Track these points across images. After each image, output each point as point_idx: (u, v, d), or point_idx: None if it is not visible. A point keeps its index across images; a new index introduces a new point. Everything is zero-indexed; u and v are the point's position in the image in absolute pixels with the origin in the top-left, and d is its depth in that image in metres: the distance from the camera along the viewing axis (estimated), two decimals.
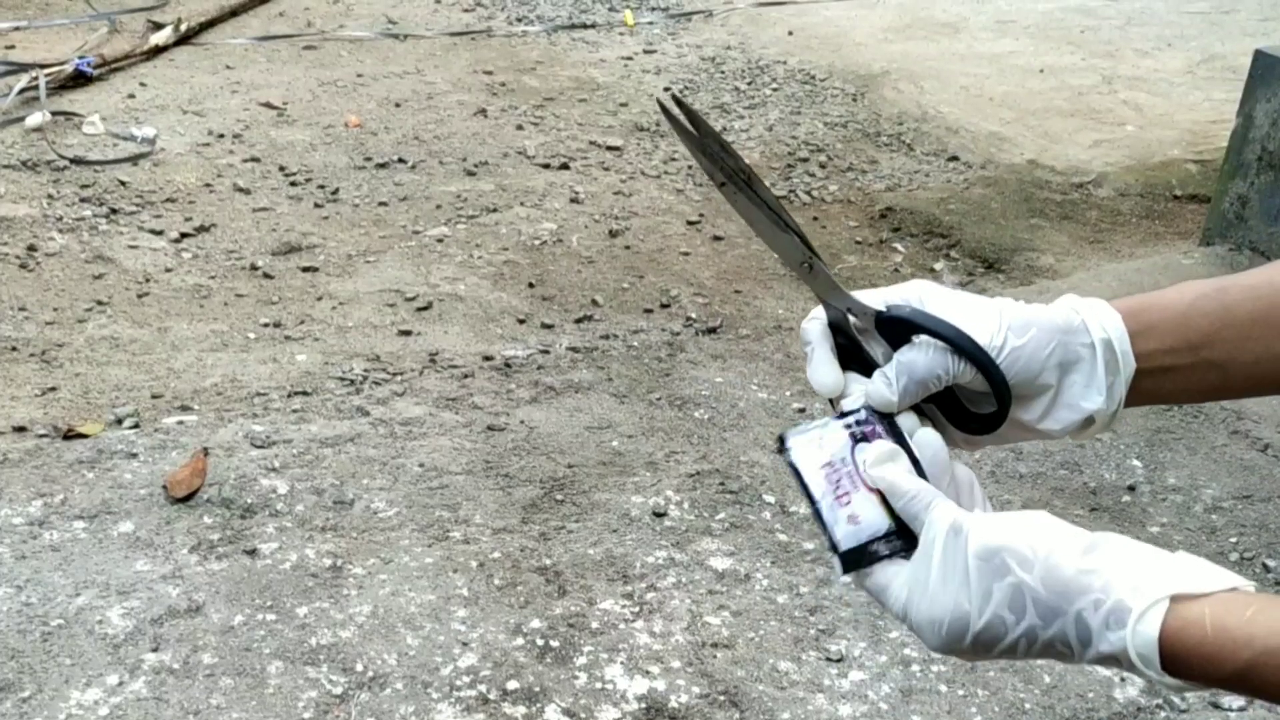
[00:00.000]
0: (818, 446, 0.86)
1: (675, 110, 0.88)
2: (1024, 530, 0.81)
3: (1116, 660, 0.78)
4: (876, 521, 0.82)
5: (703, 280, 3.94)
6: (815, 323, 0.91)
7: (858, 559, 0.82)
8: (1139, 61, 6.36)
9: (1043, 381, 0.86)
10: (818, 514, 0.85)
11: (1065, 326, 0.87)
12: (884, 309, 0.87)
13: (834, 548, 0.83)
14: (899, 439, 0.85)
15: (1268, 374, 0.88)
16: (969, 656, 0.81)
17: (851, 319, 0.88)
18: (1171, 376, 0.88)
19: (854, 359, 0.89)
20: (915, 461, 0.84)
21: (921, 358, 0.85)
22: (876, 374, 0.87)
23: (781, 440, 0.87)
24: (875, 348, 0.89)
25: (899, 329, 0.86)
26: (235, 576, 2.36)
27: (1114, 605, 0.77)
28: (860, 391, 0.87)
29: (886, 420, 0.86)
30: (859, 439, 0.85)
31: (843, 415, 0.87)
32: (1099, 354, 0.86)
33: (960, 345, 0.84)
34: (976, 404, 0.89)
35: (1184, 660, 0.76)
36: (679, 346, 3.40)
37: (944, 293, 0.88)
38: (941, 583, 0.81)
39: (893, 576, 0.84)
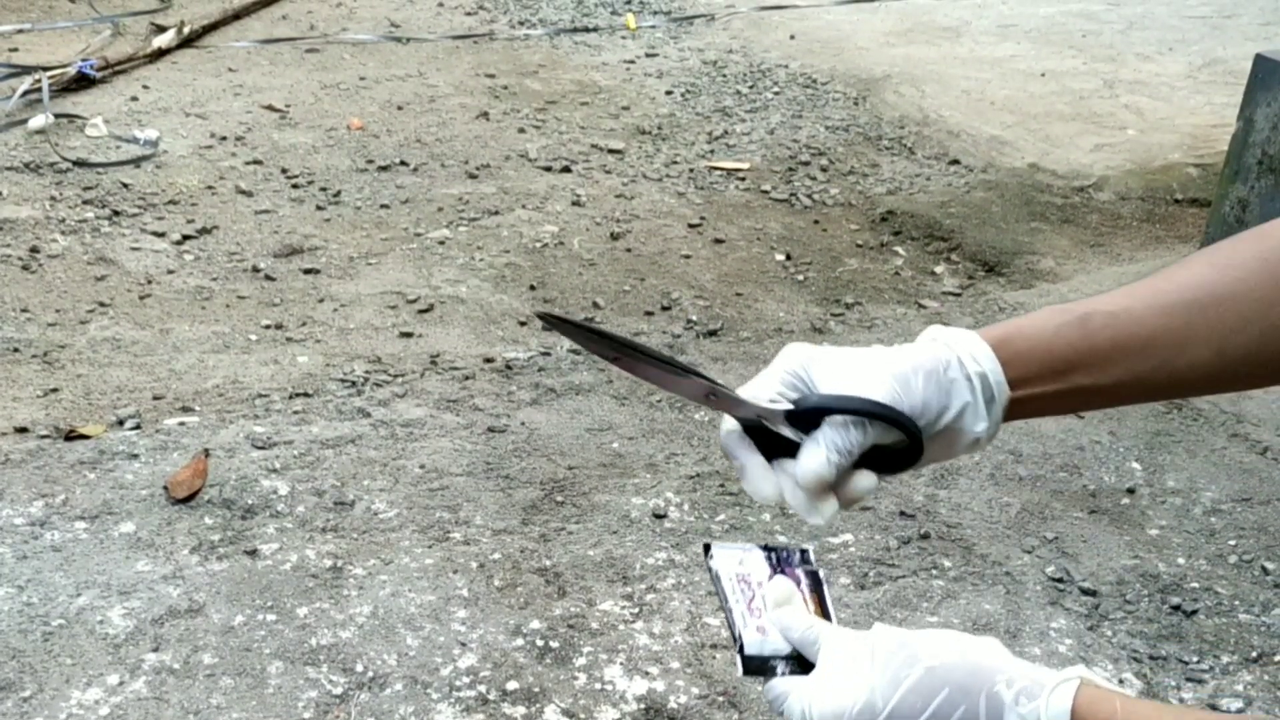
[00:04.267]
0: (738, 562, 0.95)
1: (552, 321, 0.94)
2: (924, 632, 0.89)
3: None
4: (779, 644, 0.91)
5: (704, 283, 3.95)
6: (733, 434, 0.95)
7: (759, 668, 0.91)
8: (1140, 66, 6.37)
9: (932, 419, 0.91)
10: (729, 615, 0.93)
11: (943, 365, 0.91)
12: (792, 407, 0.91)
13: (741, 648, 0.90)
14: (813, 579, 0.96)
15: (1135, 392, 0.93)
16: None
17: (764, 421, 0.92)
18: (1045, 398, 0.93)
19: (777, 449, 0.93)
20: (823, 600, 0.94)
21: (842, 436, 0.90)
22: (805, 457, 0.91)
23: (707, 548, 0.95)
24: (791, 431, 0.93)
25: (811, 415, 0.91)
26: (236, 577, 2.37)
27: (1027, 683, 0.83)
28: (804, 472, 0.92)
29: (804, 561, 0.97)
30: (775, 569, 0.95)
31: (767, 549, 0.97)
32: (976, 387, 0.91)
33: (876, 414, 0.90)
34: (891, 448, 0.95)
35: None
36: (680, 349, 3.41)
37: (824, 358, 0.93)
38: (845, 682, 0.87)
39: (792, 687, 0.91)
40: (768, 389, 0.93)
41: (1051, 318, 0.93)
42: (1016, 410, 0.93)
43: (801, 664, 0.92)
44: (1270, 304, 0.88)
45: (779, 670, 0.91)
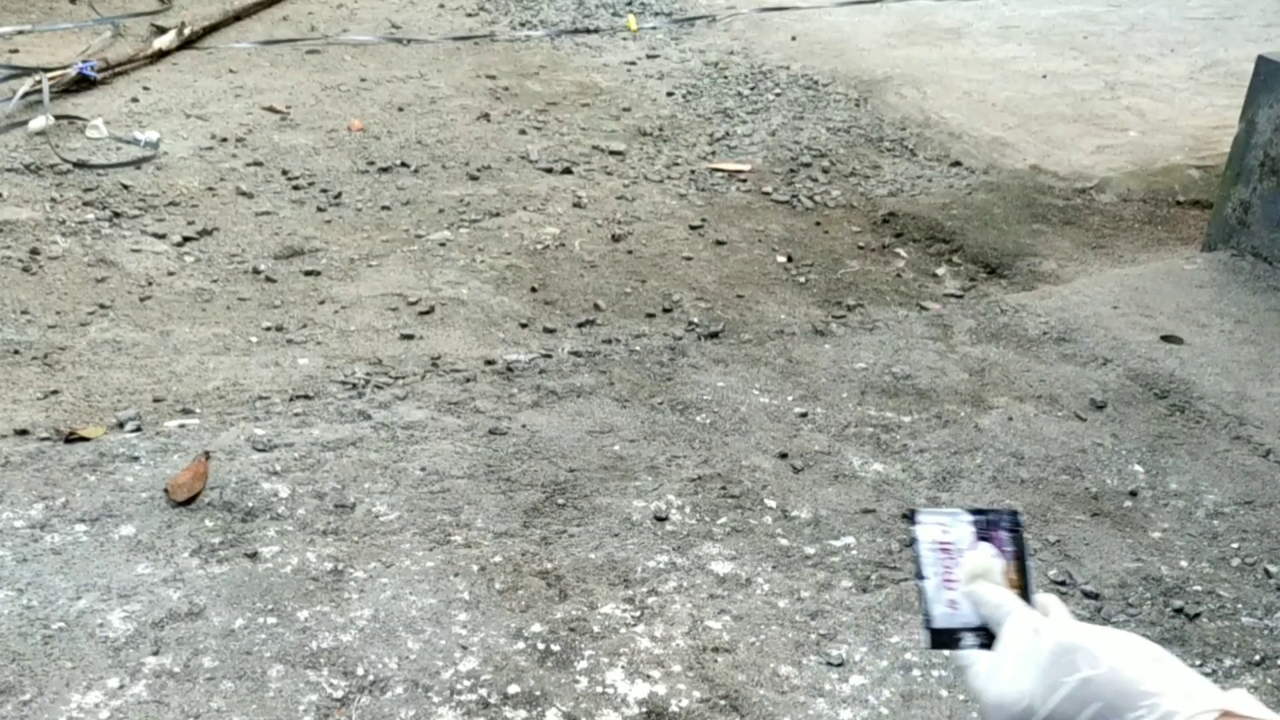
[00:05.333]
0: (941, 530, 0.95)
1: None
2: (1097, 634, 0.89)
3: None
4: (968, 616, 0.93)
5: (705, 285, 3.94)
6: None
7: (945, 640, 0.93)
8: (1142, 67, 6.36)
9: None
10: (922, 588, 0.95)
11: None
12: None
13: (927, 622, 0.93)
14: (1018, 545, 0.95)
15: None
16: None
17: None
18: None
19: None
20: (1023, 569, 0.95)
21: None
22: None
23: (912, 514, 0.96)
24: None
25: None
26: (236, 580, 2.36)
27: (1166, 710, 0.84)
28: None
29: (1011, 525, 0.96)
30: (981, 537, 0.95)
31: (976, 513, 0.96)
32: None
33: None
34: None
35: None
36: (681, 351, 3.40)
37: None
38: (1014, 674, 0.89)
39: (976, 659, 0.94)
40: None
41: None
42: None
43: (989, 636, 0.94)
44: None
45: (965, 642, 0.93)
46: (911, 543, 0.97)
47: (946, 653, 0.97)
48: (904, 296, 3.97)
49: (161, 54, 5.59)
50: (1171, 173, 5.01)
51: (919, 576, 0.95)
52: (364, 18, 6.53)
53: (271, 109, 5.11)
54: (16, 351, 3.25)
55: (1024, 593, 0.97)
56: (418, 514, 2.60)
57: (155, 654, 2.16)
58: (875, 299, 3.94)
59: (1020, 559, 0.96)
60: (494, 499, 2.67)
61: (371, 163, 4.67)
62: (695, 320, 3.69)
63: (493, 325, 3.59)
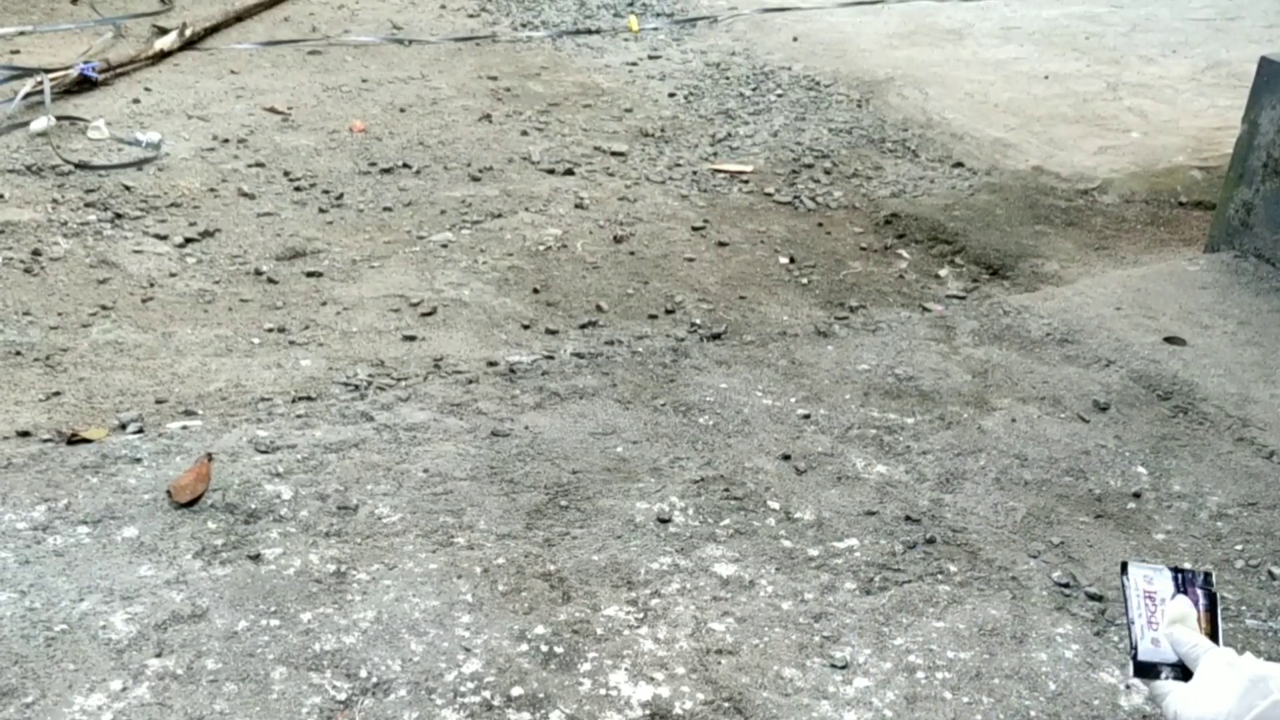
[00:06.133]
0: (1147, 581, 1.11)
1: None
2: None
3: None
4: (1168, 654, 1.08)
5: (707, 286, 3.94)
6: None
7: (1147, 672, 1.08)
8: (1144, 68, 6.36)
9: None
10: (1130, 624, 1.10)
11: None
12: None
13: (1134, 653, 1.08)
14: (1210, 600, 1.11)
15: None
16: None
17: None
18: None
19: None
20: (1214, 620, 1.11)
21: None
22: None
23: (1125, 566, 1.12)
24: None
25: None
26: (239, 582, 2.36)
27: None
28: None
29: (1205, 583, 1.12)
30: (1179, 589, 1.11)
31: (1177, 570, 1.13)
32: None
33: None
34: None
35: None
36: (683, 352, 3.40)
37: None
38: (1212, 698, 1.03)
39: (1173, 688, 1.07)
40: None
41: None
42: None
43: (1184, 673, 1.08)
44: None
45: (1164, 675, 1.08)
46: (1122, 589, 1.11)
47: (1142, 683, 1.13)
48: (906, 298, 3.96)
49: (163, 55, 5.59)
50: (1174, 174, 5.01)
51: (1128, 618, 1.10)
52: (365, 19, 6.53)
53: (273, 110, 5.10)
54: (18, 353, 3.25)
55: (1214, 639, 1.12)
56: (420, 516, 2.59)
57: (158, 656, 2.16)
58: (878, 300, 3.94)
59: (1212, 611, 1.11)
60: (497, 501, 2.67)
61: (373, 164, 4.67)
62: (698, 321, 3.68)
63: (495, 326, 3.58)
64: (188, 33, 5.79)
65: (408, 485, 2.69)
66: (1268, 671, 1.01)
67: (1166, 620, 1.09)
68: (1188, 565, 1.13)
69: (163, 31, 5.83)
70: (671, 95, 5.65)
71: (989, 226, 4.49)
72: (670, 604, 2.39)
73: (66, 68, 5.13)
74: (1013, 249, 4.33)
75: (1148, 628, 1.09)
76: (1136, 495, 2.85)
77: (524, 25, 6.61)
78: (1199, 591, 1.11)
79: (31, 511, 2.52)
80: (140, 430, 2.89)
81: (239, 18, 6.26)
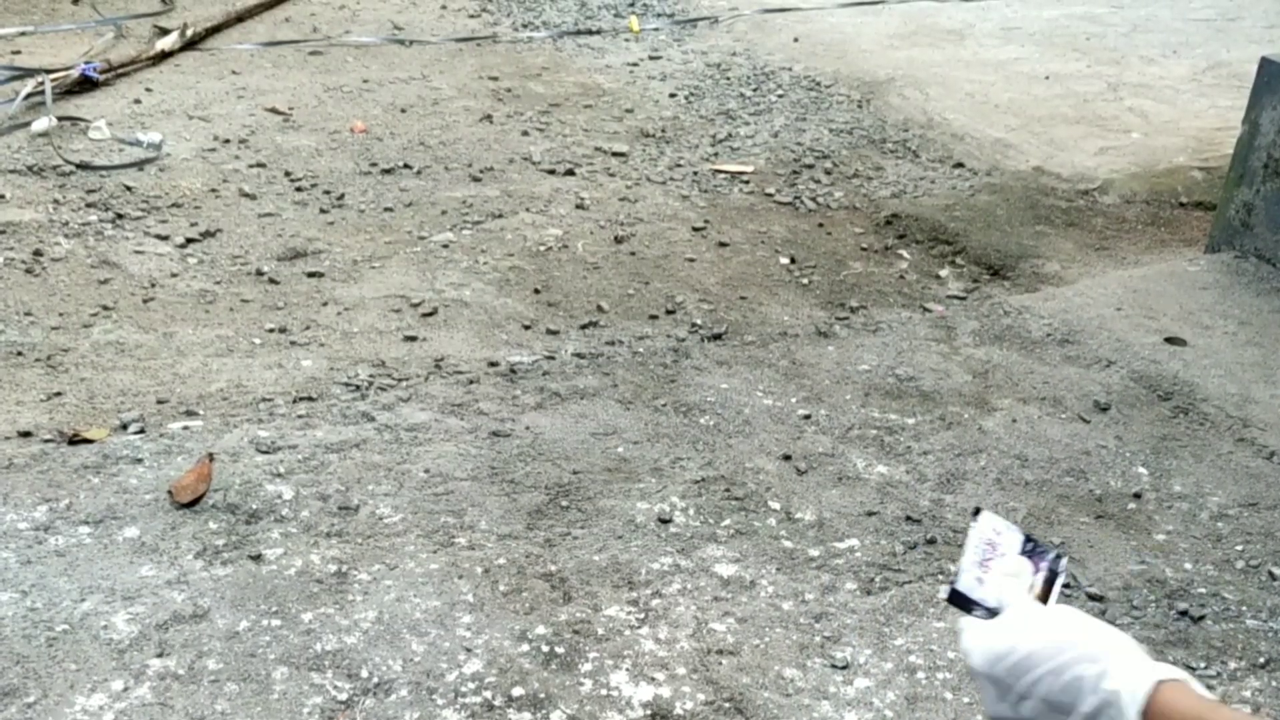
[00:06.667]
0: (995, 532, 1.11)
1: None
2: (1080, 617, 1.04)
3: (1107, 704, 0.97)
4: (985, 597, 1.08)
5: (708, 286, 3.94)
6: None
7: (960, 603, 1.08)
8: (1144, 69, 6.36)
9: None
10: (961, 559, 1.10)
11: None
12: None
13: (954, 580, 1.08)
14: (1051, 576, 1.11)
15: None
16: (998, 682, 1.01)
17: None
18: None
19: None
20: (1048, 595, 1.10)
21: None
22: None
23: (978, 510, 1.12)
24: None
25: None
26: (240, 582, 2.36)
27: (1111, 668, 0.98)
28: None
29: (1053, 561, 1.10)
30: (1025, 554, 1.11)
31: (1029, 538, 1.12)
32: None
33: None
34: None
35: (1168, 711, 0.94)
36: (684, 353, 3.40)
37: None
38: (1004, 632, 1.04)
39: (971, 626, 1.08)
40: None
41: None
42: None
43: (994, 613, 1.08)
44: None
45: (975, 612, 1.07)
46: (970, 530, 1.10)
47: (955, 613, 1.11)
48: (907, 298, 3.97)
49: (164, 55, 5.59)
50: (1174, 174, 5.01)
51: (963, 554, 1.09)
52: (366, 19, 6.53)
53: (274, 110, 5.11)
54: (20, 353, 3.25)
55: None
56: (421, 516, 2.60)
57: (159, 656, 2.16)
58: (878, 300, 3.94)
59: (1049, 586, 1.09)
60: (498, 501, 2.67)
61: (374, 164, 4.67)
62: (698, 322, 3.68)
63: (496, 327, 3.58)
64: (189, 33, 5.79)
65: (409, 485, 2.69)
66: (1062, 609, 1.02)
67: (1000, 571, 1.08)
68: (1050, 545, 1.12)
69: (164, 32, 5.83)
70: (672, 96, 5.65)
71: (990, 227, 4.49)
72: (671, 604, 2.40)
73: (68, 68, 5.13)
74: (1013, 249, 4.33)
75: (977, 568, 1.08)
76: (1137, 495, 2.85)
77: (525, 26, 6.61)
78: (1044, 565, 1.09)
79: (33, 512, 2.52)
80: (141, 430, 2.90)
81: (240, 18, 6.27)
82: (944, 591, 1.08)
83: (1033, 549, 1.09)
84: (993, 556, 1.08)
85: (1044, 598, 1.09)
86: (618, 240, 4.21)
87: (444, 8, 6.84)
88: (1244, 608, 2.50)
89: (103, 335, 3.39)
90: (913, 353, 3.45)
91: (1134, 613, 2.47)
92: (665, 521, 2.64)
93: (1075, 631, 1.00)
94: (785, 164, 4.97)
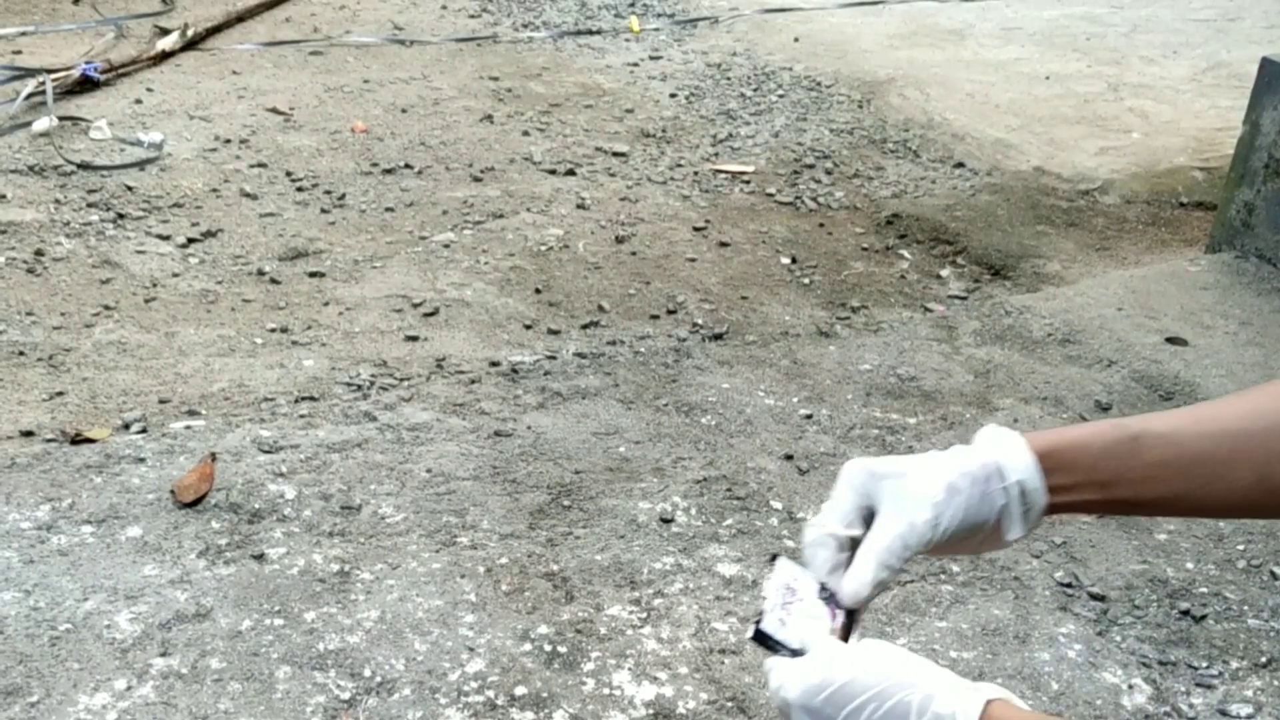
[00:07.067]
0: (793, 579, 1.10)
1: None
2: (891, 650, 1.01)
3: None
4: (789, 638, 1.06)
5: (709, 286, 3.94)
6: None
7: (765, 642, 1.06)
8: (1145, 69, 6.37)
9: (974, 525, 1.02)
10: (764, 600, 1.09)
11: (986, 475, 1.01)
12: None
13: (758, 620, 1.06)
14: (850, 620, 1.09)
15: (1173, 508, 1.04)
16: (817, 713, 0.98)
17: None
18: (1082, 505, 1.03)
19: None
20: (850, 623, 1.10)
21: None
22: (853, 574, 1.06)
23: (775, 556, 1.12)
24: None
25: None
26: (243, 581, 2.36)
27: (936, 694, 0.95)
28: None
29: (848, 614, 1.10)
30: (824, 600, 1.10)
31: (824, 587, 1.10)
32: (1015, 498, 1.01)
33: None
34: None
35: None
36: (686, 353, 3.40)
37: (886, 471, 1.04)
38: (818, 663, 1.00)
39: (778, 665, 1.04)
40: (838, 517, 1.05)
41: (1104, 433, 1.01)
42: (1052, 510, 1.03)
43: (798, 654, 1.06)
44: None
45: (780, 652, 1.05)
46: (770, 573, 1.10)
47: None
48: (908, 298, 3.97)
49: (165, 55, 5.59)
50: (1175, 174, 5.01)
51: (763, 597, 1.09)
52: (367, 19, 6.53)
53: (275, 110, 5.11)
54: (21, 353, 3.26)
55: None
56: (424, 516, 2.60)
57: (162, 655, 2.17)
58: (879, 300, 3.94)
59: (846, 634, 1.08)
60: (500, 501, 2.67)
61: (375, 164, 4.67)
62: (700, 322, 3.69)
63: (497, 327, 3.59)
64: (189, 33, 5.79)
65: (411, 485, 2.70)
66: (868, 649, 1.02)
67: (801, 614, 1.07)
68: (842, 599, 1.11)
69: (164, 32, 5.84)
70: (673, 96, 5.66)
71: (990, 227, 4.50)
72: (673, 604, 2.40)
73: (68, 68, 5.13)
74: (1014, 249, 4.33)
75: (780, 610, 1.08)
76: None
77: (525, 26, 6.62)
78: (839, 611, 1.09)
79: (35, 511, 2.52)
80: (144, 430, 2.90)
81: (240, 18, 6.27)
82: (750, 631, 1.08)
83: (829, 596, 1.10)
84: (793, 601, 1.08)
85: (844, 639, 1.09)
86: (619, 240, 4.21)
87: (444, 8, 6.84)
88: (1246, 607, 2.50)
89: (104, 335, 3.39)
90: (914, 352, 3.45)
91: (1136, 612, 2.47)
92: (667, 521, 2.64)
93: (892, 661, 0.98)
94: (786, 164, 4.97)
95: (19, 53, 5.55)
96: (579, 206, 4.45)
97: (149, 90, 5.21)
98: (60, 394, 3.08)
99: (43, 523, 2.49)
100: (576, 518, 2.64)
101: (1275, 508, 1.01)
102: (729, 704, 2.16)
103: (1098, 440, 1.01)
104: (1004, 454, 1.02)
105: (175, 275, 3.76)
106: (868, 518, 1.05)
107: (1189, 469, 0.99)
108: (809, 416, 3.09)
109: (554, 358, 3.37)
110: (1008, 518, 1.02)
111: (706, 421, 3.04)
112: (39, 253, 3.78)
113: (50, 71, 5.04)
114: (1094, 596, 2.50)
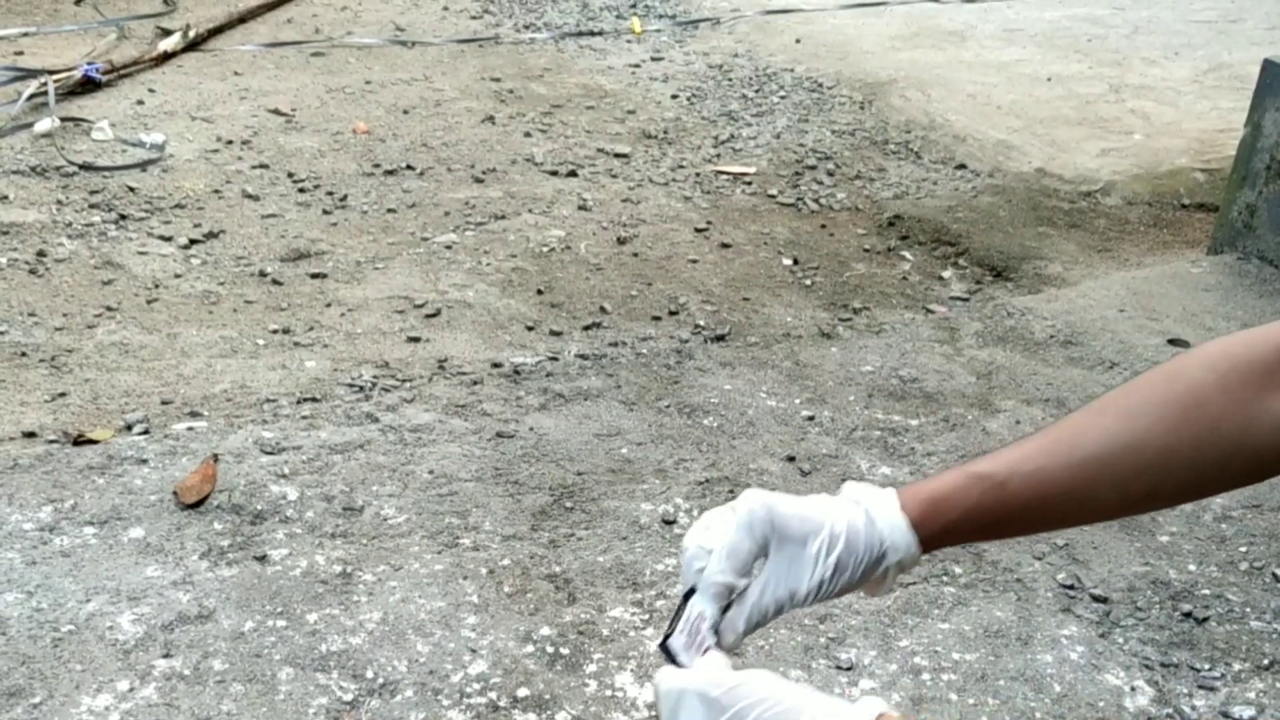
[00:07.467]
0: (700, 618, 1.13)
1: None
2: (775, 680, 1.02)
3: None
4: (692, 662, 1.11)
5: (711, 288, 3.94)
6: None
7: (667, 652, 1.11)
8: (1146, 70, 6.36)
9: (851, 587, 1.07)
10: (674, 621, 1.13)
11: (869, 545, 1.05)
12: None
13: (668, 633, 1.11)
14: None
15: (1047, 529, 1.11)
16: (713, 704, 1.00)
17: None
18: (960, 542, 1.09)
19: None
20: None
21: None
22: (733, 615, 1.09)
23: (690, 592, 1.13)
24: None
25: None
26: (245, 583, 2.36)
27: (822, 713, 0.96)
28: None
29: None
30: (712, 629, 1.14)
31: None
32: (893, 565, 1.05)
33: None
34: None
35: None
36: (687, 354, 3.40)
37: (781, 508, 1.07)
38: (717, 669, 1.04)
39: (670, 674, 1.06)
40: (733, 565, 1.07)
41: (973, 486, 1.05)
42: (928, 550, 1.08)
43: None
44: (1169, 452, 1.01)
45: (679, 662, 1.10)
46: (679, 606, 1.13)
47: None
48: (910, 299, 3.97)
49: (166, 56, 5.59)
50: (1176, 176, 5.01)
51: (674, 619, 1.12)
52: (368, 20, 6.54)
53: (276, 111, 5.11)
54: (24, 354, 3.26)
55: None
56: (426, 517, 2.60)
57: (165, 656, 2.17)
58: (881, 302, 3.94)
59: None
60: (502, 502, 2.67)
61: (377, 165, 4.67)
62: (702, 323, 3.69)
63: (499, 328, 3.59)
64: (191, 34, 5.80)
65: (413, 486, 2.70)
66: (755, 676, 1.04)
67: (704, 646, 1.12)
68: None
69: (166, 33, 5.84)
70: (674, 97, 5.66)
71: (992, 228, 4.50)
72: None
73: (70, 69, 5.13)
74: (1016, 251, 4.33)
75: (685, 635, 1.12)
76: None
77: (527, 27, 6.62)
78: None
79: (38, 512, 2.52)
80: (146, 431, 2.90)
81: (242, 19, 6.27)
82: (660, 639, 1.13)
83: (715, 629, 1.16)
84: (701, 633, 1.12)
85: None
86: (620, 241, 4.21)
87: (446, 9, 6.84)
88: (1248, 609, 2.50)
89: (106, 336, 3.39)
90: (916, 354, 3.45)
91: (1138, 614, 2.47)
92: (669, 523, 2.64)
93: (786, 685, 1.00)
94: (787, 165, 4.97)
95: (21, 54, 5.56)
96: (581, 208, 4.45)
97: (151, 91, 5.21)
98: (62, 395, 3.08)
99: (45, 524, 2.49)
100: (579, 519, 2.64)
101: (1139, 513, 1.08)
102: None
103: (970, 494, 1.05)
104: (886, 522, 1.05)
105: (177, 276, 3.76)
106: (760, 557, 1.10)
107: (1060, 501, 1.04)
108: (811, 418, 3.09)
109: (556, 359, 3.37)
110: (884, 582, 1.07)
111: (708, 423, 3.04)
112: (41, 254, 3.79)
113: (52, 72, 5.05)
114: (1096, 598, 2.50)
